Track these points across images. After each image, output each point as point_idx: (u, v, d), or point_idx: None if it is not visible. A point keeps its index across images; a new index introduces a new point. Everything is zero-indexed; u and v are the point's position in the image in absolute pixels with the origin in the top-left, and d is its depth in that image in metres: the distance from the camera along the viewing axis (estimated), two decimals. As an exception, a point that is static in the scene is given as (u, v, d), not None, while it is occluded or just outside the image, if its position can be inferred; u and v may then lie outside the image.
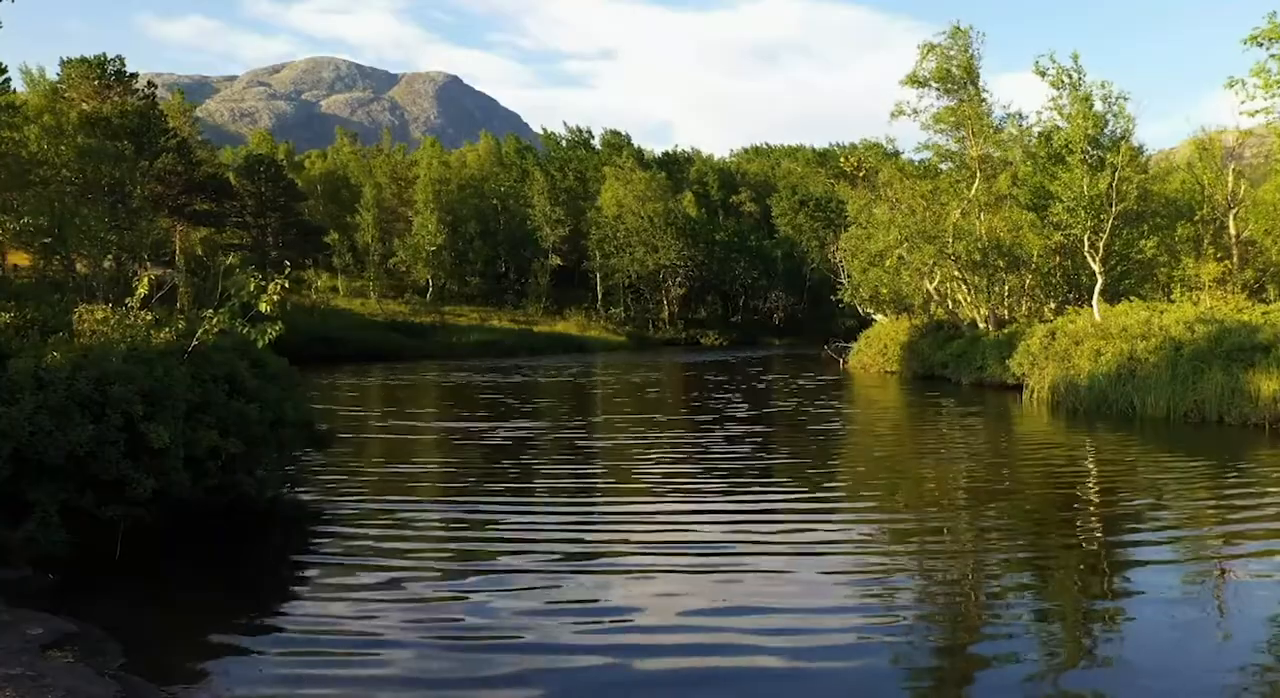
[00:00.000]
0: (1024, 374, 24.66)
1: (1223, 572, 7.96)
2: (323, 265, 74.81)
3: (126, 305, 9.51)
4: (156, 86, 58.49)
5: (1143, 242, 30.14)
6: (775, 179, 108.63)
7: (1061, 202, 28.05)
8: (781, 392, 29.12)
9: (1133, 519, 10.06)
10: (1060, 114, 29.13)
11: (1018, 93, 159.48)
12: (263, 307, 9.41)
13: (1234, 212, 33.07)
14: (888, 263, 35.98)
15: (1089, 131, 27.63)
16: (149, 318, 9.41)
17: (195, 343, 9.19)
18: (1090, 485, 12.38)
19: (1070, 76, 28.78)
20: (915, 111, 35.96)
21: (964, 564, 8.29)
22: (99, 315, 9.25)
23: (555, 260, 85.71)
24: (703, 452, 15.02)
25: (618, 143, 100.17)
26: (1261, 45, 22.27)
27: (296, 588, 7.56)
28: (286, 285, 9.70)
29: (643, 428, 18.58)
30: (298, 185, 73.19)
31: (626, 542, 9.03)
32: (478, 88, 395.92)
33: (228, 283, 9.57)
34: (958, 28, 34.67)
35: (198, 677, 5.66)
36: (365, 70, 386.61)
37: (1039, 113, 32.15)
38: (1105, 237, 27.71)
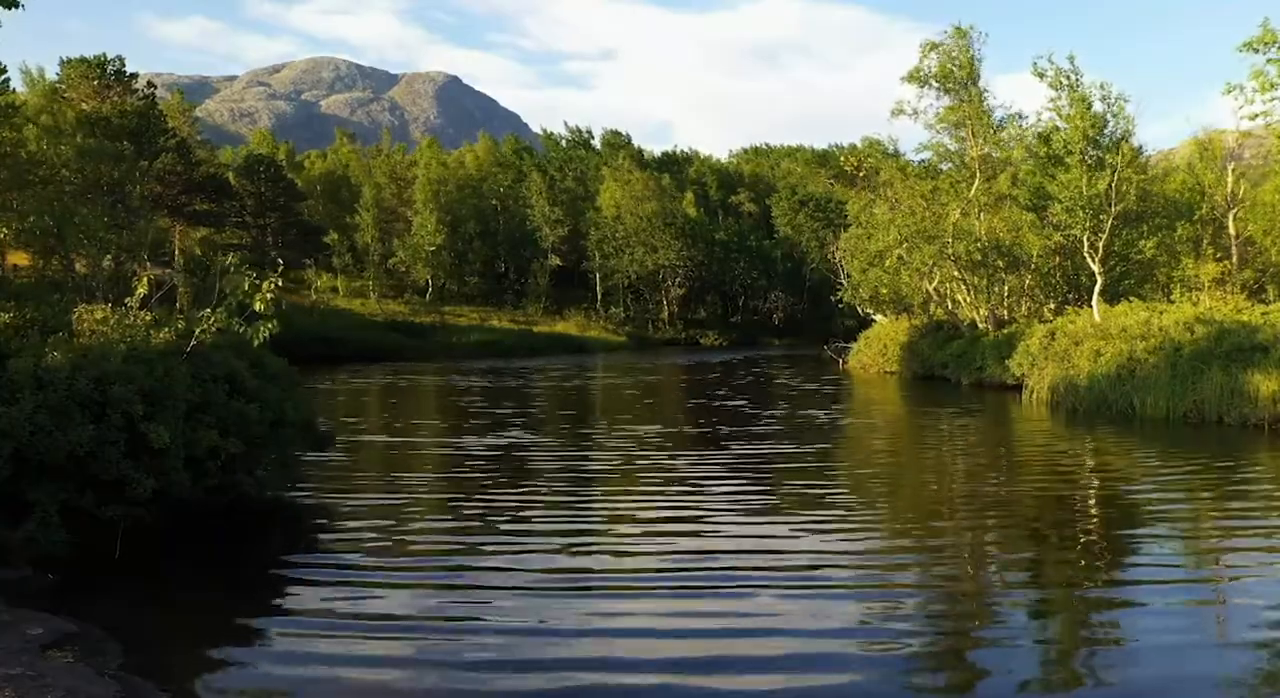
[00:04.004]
0: (1024, 374, 24.66)
1: (1223, 572, 7.97)
2: (322, 265, 74.78)
3: (126, 305, 9.51)
4: (156, 86, 58.42)
5: (1142, 242, 30.13)
6: (775, 179, 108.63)
7: (1060, 202, 28.05)
8: (781, 393, 29.13)
9: (1132, 519, 10.07)
10: (1059, 115, 29.14)
11: (1018, 93, 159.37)
12: (257, 305, 9.39)
13: (1233, 212, 33.07)
14: (888, 263, 35.95)
15: (1088, 132, 27.62)
16: (148, 318, 9.41)
17: (194, 343, 9.19)
18: (1090, 486, 12.38)
19: (1068, 78, 28.80)
20: (915, 111, 36.02)
21: (964, 565, 8.30)
22: (99, 315, 9.25)
23: (555, 260, 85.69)
24: (703, 455, 15.03)
25: (618, 143, 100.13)
26: (1257, 51, 22.32)
27: (296, 588, 7.56)
28: (280, 283, 9.68)
29: (642, 432, 18.59)
30: (297, 185, 73.17)
31: (624, 544, 9.03)
32: (478, 88, 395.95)
33: (224, 282, 9.56)
34: (959, 27, 34.72)
35: (198, 677, 5.66)
36: (365, 70, 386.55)
37: (1039, 114, 32.18)
38: (1105, 237, 27.71)
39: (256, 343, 9.67)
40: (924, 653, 6.07)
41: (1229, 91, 23.23)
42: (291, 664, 5.81)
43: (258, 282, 9.50)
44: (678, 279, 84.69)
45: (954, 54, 34.78)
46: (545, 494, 11.32)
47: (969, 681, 5.68)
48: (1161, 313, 23.08)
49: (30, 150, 41.95)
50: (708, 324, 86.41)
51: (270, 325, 9.53)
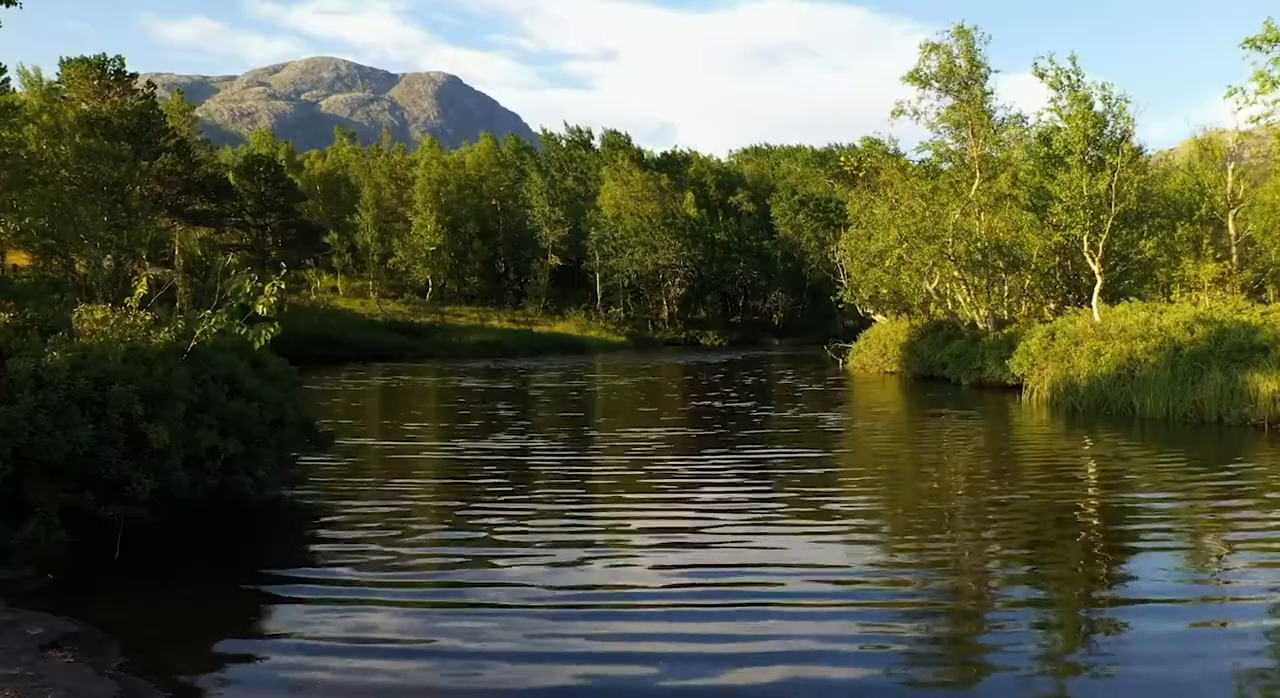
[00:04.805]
0: (1023, 375, 24.66)
1: (1223, 573, 7.96)
2: (323, 265, 74.81)
3: (126, 305, 9.51)
4: (156, 86, 58.46)
5: (1142, 242, 30.14)
6: (774, 179, 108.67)
7: (1061, 202, 28.06)
8: (782, 394, 29.14)
9: (1133, 521, 10.07)
10: (1060, 115, 29.14)
11: (1018, 94, 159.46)
12: (259, 309, 9.38)
13: (1233, 212, 33.07)
14: (887, 263, 35.96)
15: (1088, 133, 27.63)
16: (148, 318, 9.41)
17: (194, 343, 9.20)
18: (1090, 487, 12.38)
19: (1069, 78, 28.81)
20: (916, 112, 36.04)
21: (964, 567, 8.29)
22: (99, 315, 9.26)
23: (555, 260, 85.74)
24: (705, 460, 15.02)
25: (617, 143, 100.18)
26: (1259, 48, 22.36)
27: (296, 588, 7.56)
28: (284, 286, 9.69)
29: (643, 435, 18.61)
30: (297, 185, 73.16)
31: (624, 544, 9.04)
32: (478, 88, 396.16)
33: (225, 284, 9.57)
34: (961, 28, 34.73)
35: (198, 677, 5.65)
36: (365, 70, 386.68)
37: (1039, 115, 32.19)
38: (1105, 237, 27.72)
39: (259, 346, 9.66)
40: (924, 664, 6.07)
41: (1230, 95, 23.30)
42: (291, 665, 5.80)
43: (260, 284, 9.49)
44: (678, 279, 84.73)
45: (955, 55, 34.82)
46: (546, 502, 11.14)
47: (966, 682, 5.68)
48: (1161, 313, 23.08)
49: (30, 150, 41.99)
50: (708, 324, 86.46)
51: (273, 329, 9.53)
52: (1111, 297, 28.87)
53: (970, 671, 5.85)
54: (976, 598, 7.33)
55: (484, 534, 9.29)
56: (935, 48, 34.90)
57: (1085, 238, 27.99)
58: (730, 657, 5.95)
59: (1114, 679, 5.60)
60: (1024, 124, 34.86)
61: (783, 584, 7.49)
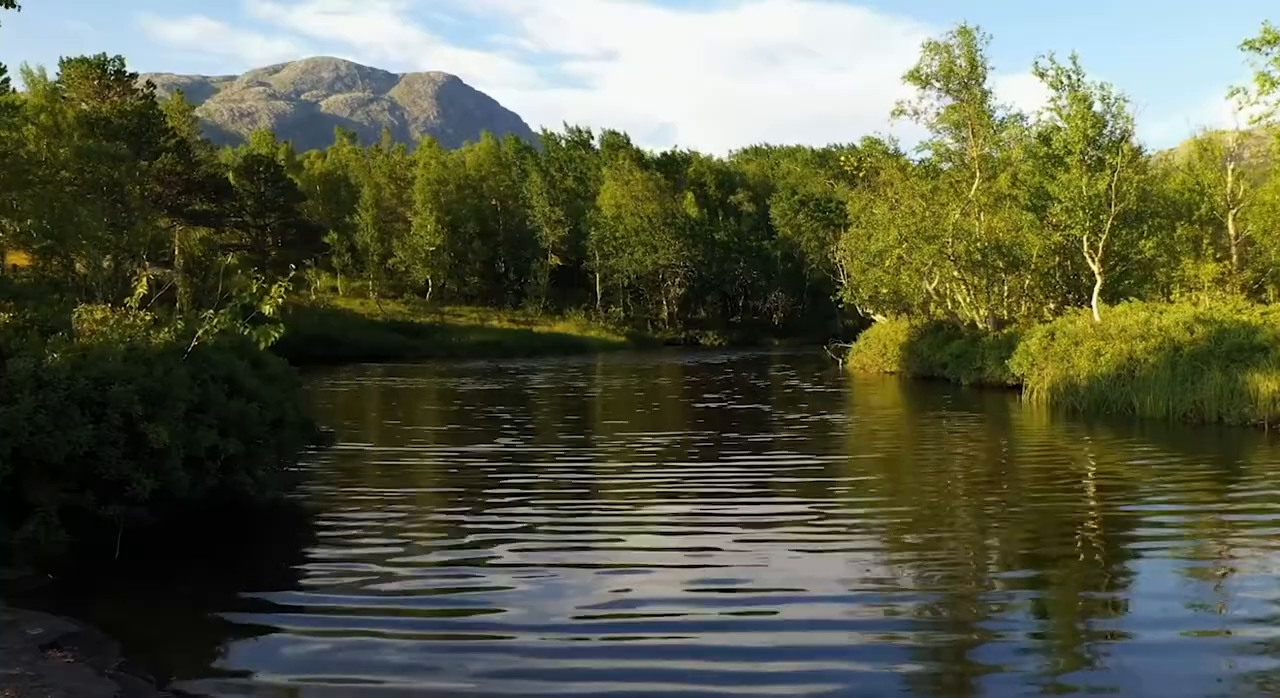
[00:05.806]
0: (1023, 375, 24.66)
1: (1223, 574, 7.96)
2: (322, 265, 74.81)
3: (126, 305, 9.52)
4: (156, 86, 58.48)
5: (1142, 242, 30.15)
6: (774, 179, 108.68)
7: (1060, 202, 28.06)
8: (782, 396, 29.14)
9: (1132, 520, 10.07)
10: (1060, 115, 29.14)
11: (1018, 94, 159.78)
12: (266, 309, 9.39)
13: (1233, 212, 33.07)
14: (887, 263, 35.97)
15: (1088, 133, 27.62)
16: (148, 318, 9.42)
17: (195, 343, 9.20)
18: (1089, 486, 12.38)
19: (1069, 77, 28.81)
20: (916, 112, 36.05)
21: (963, 568, 8.29)
22: (98, 315, 9.26)
23: (555, 260, 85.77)
24: (707, 465, 15.01)
25: (617, 143, 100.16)
26: (1258, 49, 22.41)
27: (296, 589, 7.56)
28: (290, 287, 9.69)
29: (644, 439, 18.59)
30: (297, 185, 73.16)
31: (623, 543, 9.03)
32: (478, 88, 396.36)
33: (229, 283, 9.59)
34: (964, 28, 34.73)
35: (198, 677, 5.65)
36: (365, 70, 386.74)
37: (1039, 114, 32.18)
38: (1104, 237, 27.72)
39: (264, 347, 9.67)
40: (921, 652, 6.08)
41: (1232, 95, 23.36)
42: (292, 665, 5.80)
43: (266, 285, 9.50)
44: (678, 279, 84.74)
45: (957, 54, 34.82)
46: (550, 512, 10.72)
47: (966, 683, 5.67)
48: (1161, 313, 23.07)
49: (30, 150, 41.98)
50: (708, 324, 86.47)
51: (278, 330, 9.53)
52: (1111, 297, 28.86)
53: (966, 667, 5.84)
54: (973, 595, 7.31)
55: (486, 534, 9.26)
56: (938, 47, 34.92)
57: (1085, 238, 27.99)
58: (739, 674, 5.75)
59: (1112, 675, 5.58)
60: (1024, 124, 34.94)
61: (788, 599, 7.26)
